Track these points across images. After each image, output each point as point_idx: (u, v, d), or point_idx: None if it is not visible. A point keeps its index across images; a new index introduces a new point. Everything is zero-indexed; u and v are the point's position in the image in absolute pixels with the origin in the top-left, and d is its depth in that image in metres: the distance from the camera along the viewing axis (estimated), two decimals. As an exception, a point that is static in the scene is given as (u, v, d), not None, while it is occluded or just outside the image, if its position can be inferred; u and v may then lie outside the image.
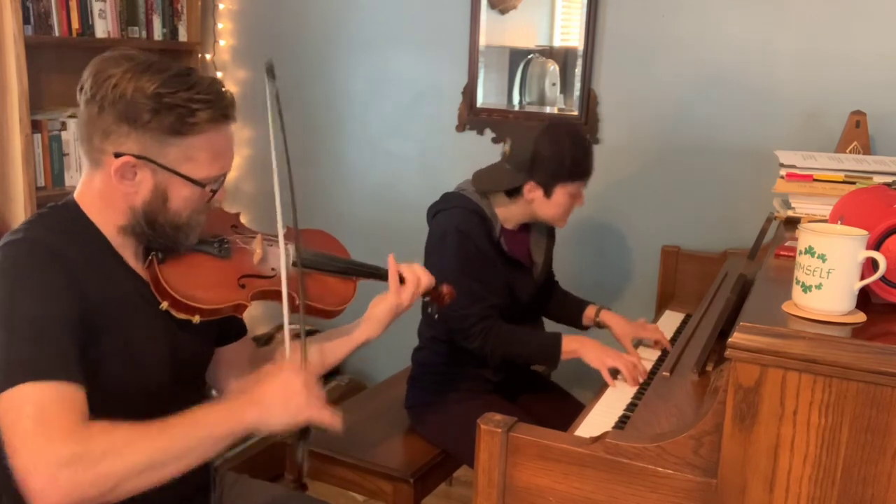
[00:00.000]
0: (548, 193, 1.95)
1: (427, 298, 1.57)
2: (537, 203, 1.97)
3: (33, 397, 1.06)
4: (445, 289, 1.60)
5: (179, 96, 1.19)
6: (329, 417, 1.23)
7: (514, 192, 1.98)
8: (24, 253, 1.17)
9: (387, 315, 1.50)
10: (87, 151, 1.24)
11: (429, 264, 1.95)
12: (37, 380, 1.07)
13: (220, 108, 1.23)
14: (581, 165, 1.95)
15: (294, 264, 1.37)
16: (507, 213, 2.03)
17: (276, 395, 1.20)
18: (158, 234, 1.27)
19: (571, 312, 2.23)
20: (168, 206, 1.25)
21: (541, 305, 2.23)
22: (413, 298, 1.52)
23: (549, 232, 2.18)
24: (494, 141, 2.77)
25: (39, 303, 1.13)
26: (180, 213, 1.27)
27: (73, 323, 1.14)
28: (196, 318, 1.28)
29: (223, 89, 1.26)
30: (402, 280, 1.51)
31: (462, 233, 1.93)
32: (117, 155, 1.20)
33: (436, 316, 1.63)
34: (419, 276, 1.51)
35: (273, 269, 1.39)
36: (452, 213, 1.97)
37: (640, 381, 1.79)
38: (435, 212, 2.02)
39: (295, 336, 1.33)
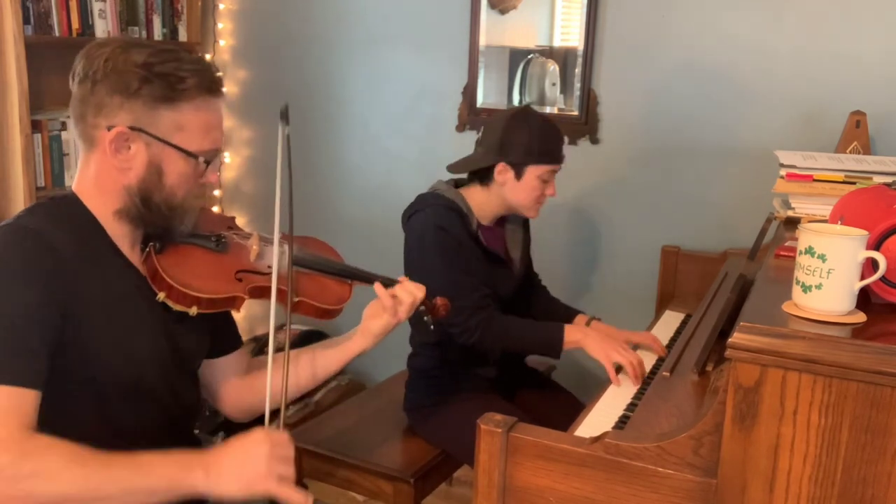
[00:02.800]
0: (518, 175, 1.96)
1: (422, 308, 1.57)
2: (509, 186, 1.98)
3: None
4: (440, 301, 1.60)
5: (169, 65, 1.22)
6: (294, 496, 1.16)
7: (486, 177, 1.99)
8: (11, 240, 1.17)
9: (382, 330, 1.50)
10: (82, 131, 1.26)
11: (411, 267, 1.95)
12: None
13: (208, 77, 1.26)
14: (550, 147, 1.97)
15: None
16: (482, 206, 2.03)
17: (231, 460, 1.15)
18: (154, 214, 1.27)
19: (559, 319, 2.19)
20: (163, 182, 1.26)
21: (522, 302, 2.21)
22: (408, 314, 1.51)
23: (524, 227, 2.18)
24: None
25: (15, 297, 1.12)
26: (175, 191, 1.27)
27: (50, 317, 1.14)
28: (193, 310, 1.28)
29: (210, 64, 1.30)
30: (395, 297, 1.50)
31: (441, 229, 1.92)
32: (110, 128, 1.21)
33: (431, 327, 1.63)
34: (413, 293, 1.51)
35: (269, 267, 1.40)
36: (429, 212, 1.95)
37: (641, 380, 1.79)
38: (410, 214, 2.01)
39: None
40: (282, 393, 1.27)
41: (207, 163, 1.30)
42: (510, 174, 1.96)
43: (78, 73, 1.25)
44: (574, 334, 1.91)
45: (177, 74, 1.22)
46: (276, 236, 1.33)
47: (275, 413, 1.31)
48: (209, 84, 1.26)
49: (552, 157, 1.98)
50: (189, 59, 1.25)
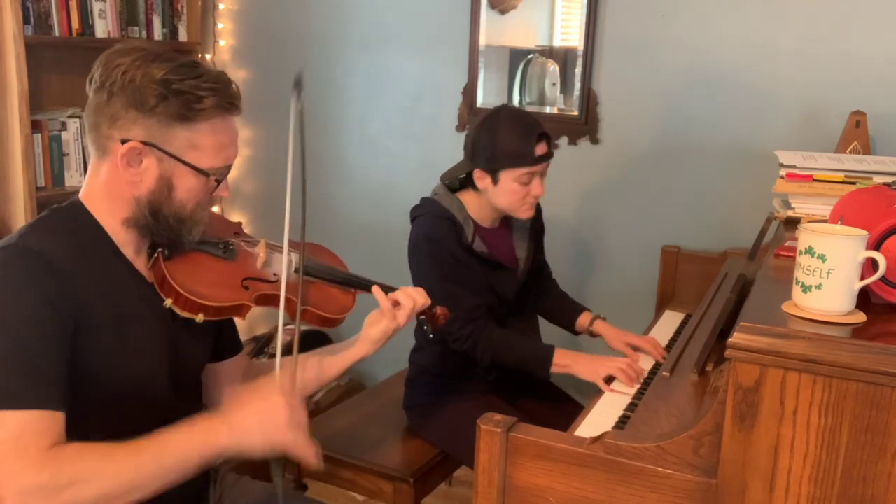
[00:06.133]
0: (494, 181, 1.94)
1: (422, 317, 1.58)
2: (490, 191, 1.96)
3: (8, 425, 1.07)
4: (440, 310, 1.60)
5: (187, 83, 1.21)
6: (308, 453, 1.21)
7: (473, 184, 1.99)
8: (14, 263, 1.16)
9: (382, 336, 1.50)
10: (95, 139, 1.25)
11: (410, 271, 1.97)
12: (13, 408, 1.08)
13: (226, 96, 1.25)
14: (517, 150, 1.89)
15: (296, 271, 1.38)
16: (480, 210, 2.03)
17: (255, 419, 1.18)
18: (162, 226, 1.27)
19: (566, 316, 2.23)
20: (173, 196, 1.25)
21: (528, 302, 2.22)
22: (408, 319, 1.51)
23: (532, 228, 2.16)
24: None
25: (25, 322, 1.12)
26: (185, 205, 1.27)
27: (61, 337, 1.14)
28: (200, 317, 1.28)
29: (229, 81, 1.28)
30: (396, 302, 1.50)
31: (431, 240, 1.93)
32: (124, 141, 1.21)
33: (430, 335, 1.63)
34: (413, 298, 1.51)
35: (275, 275, 1.40)
36: (423, 221, 1.97)
37: (639, 381, 1.79)
38: (413, 217, 2.03)
39: (287, 351, 1.32)
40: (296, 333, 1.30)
41: (218, 181, 1.29)
42: (488, 179, 1.94)
43: (95, 81, 1.23)
44: (563, 359, 1.91)
45: (195, 93, 1.21)
46: (286, 245, 1.32)
47: None
48: (227, 103, 1.25)
49: (522, 159, 1.89)
50: (209, 77, 1.23)
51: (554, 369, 1.92)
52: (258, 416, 1.18)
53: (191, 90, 1.21)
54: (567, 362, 1.91)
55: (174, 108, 1.20)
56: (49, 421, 1.10)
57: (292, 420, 1.19)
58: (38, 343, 1.12)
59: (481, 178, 1.95)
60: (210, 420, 1.19)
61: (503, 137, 1.90)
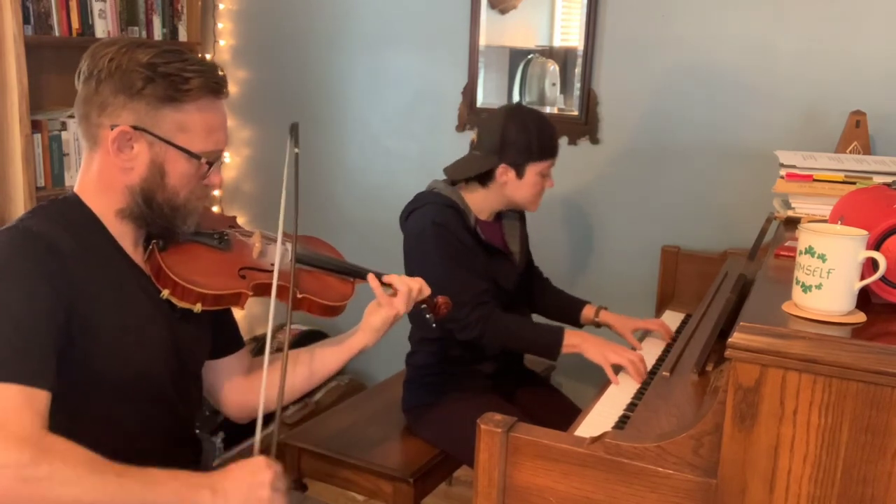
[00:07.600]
0: (519, 174, 1.99)
1: (423, 306, 1.57)
2: (510, 186, 2.00)
3: None
4: (441, 299, 1.60)
5: (173, 65, 1.23)
6: None
7: (486, 178, 2.01)
8: (14, 242, 1.17)
9: (383, 324, 1.50)
10: (85, 130, 1.26)
11: (410, 265, 1.97)
12: (3, 381, 1.07)
13: (212, 77, 1.26)
14: (547, 143, 2.01)
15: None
16: (481, 203, 2.05)
17: (239, 484, 1.17)
18: (156, 214, 1.27)
19: (568, 310, 2.24)
20: (166, 182, 1.26)
21: (525, 295, 2.22)
22: (407, 306, 1.51)
23: (521, 221, 2.19)
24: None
25: (21, 297, 1.12)
26: (178, 192, 1.27)
27: (56, 318, 1.14)
28: (198, 307, 1.28)
29: (215, 65, 1.30)
30: (392, 290, 1.50)
31: (439, 225, 1.93)
32: (114, 127, 1.22)
33: (433, 325, 1.63)
34: (407, 283, 1.51)
35: (272, 265, 1.40)
36: (427, 210, 1.97)
37: (644, 376, 1.79)
38: (409, 212, 2.03)
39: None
40: (277, 399, 1.29)
41: (210, 164, 1.30)
42: (511, 174, 1.98)
43: (83, 72, 1.25)
44: (573, 338, 1.92)
45: (181, 75, 1.22)
46: (280, 236, 1.33)
47: (269, 417, 1.31)
48: (213, 85, 1.26)
49: (550, 152, 2.02)
50: (194, 60, 1.26)
51: (564, 350, 1.92)
52: (243, 485, 1.17)
53: (177, 72, 1.22)
54: (577, 342, 1.91)
55: (161, 89, 1.22)
56: (34, 398, 1.09)
57: (273, 494, 1.18)
58: (32, 319, 1.12)
59: (505, 173, 1.98)
60: (197, 478, 1.16)
61: (535, 132, 1.97)
